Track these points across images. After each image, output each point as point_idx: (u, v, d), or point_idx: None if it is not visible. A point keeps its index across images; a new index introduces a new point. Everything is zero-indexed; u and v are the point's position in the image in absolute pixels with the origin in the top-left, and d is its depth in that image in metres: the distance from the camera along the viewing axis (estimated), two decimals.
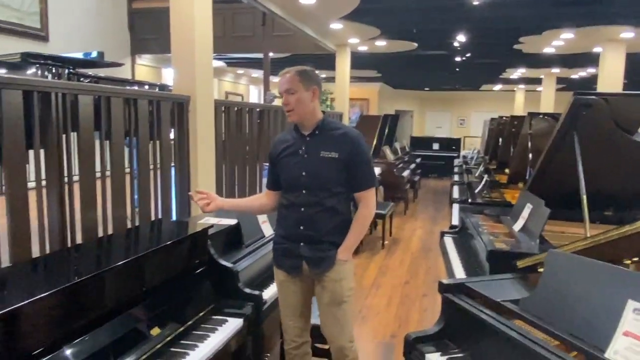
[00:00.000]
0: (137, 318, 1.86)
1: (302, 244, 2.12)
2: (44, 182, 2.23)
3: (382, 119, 8.88)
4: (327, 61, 9.31)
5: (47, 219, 2.23)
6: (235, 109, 4.14)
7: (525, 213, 2.88)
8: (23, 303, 1.42)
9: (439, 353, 1.89)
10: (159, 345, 1.82)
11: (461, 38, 8.44)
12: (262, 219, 3.11)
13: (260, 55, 9.37)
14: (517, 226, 2.89)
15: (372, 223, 6.77)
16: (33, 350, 1.46)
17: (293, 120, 2.10)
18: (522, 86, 16.54)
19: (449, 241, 3.59)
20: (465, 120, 19.51)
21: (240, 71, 15.27)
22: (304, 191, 2.09)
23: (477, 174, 6.44)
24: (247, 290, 2.36)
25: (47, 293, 1.50)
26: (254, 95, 17.29)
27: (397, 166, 8.50)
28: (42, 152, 2.17)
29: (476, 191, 4.89)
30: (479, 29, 7.92)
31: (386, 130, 9.33)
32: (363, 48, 9.32)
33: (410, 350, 1.97)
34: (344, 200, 2.13)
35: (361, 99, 16.39)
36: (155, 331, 1.86)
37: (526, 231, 2.77)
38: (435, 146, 13.76)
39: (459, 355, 1.86)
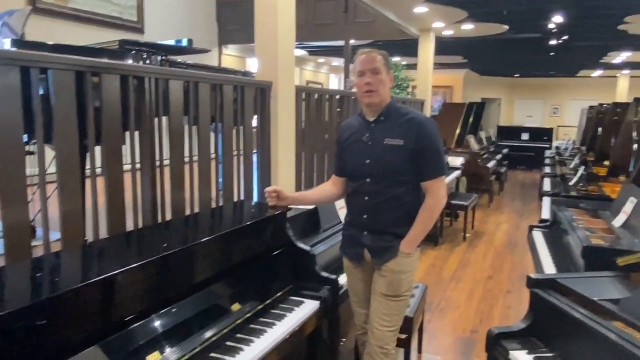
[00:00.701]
0: (219, 293, 1.95)
1: (365, 232, 2.08)
2: (137, 164, 2.40)
3: (466, 106, 8.54)
4: (409, 47, 9.09)
5: (140, 197, 2.40)
6: (316, 95, 4.17)
7: (628, 208, 2.63)
8: (117, 271, 1.53)
9: (525, 351, 1.79)
10: (239, 321, 1.89)
11: (557, 19, 7.82)
12: (339, 204, 3.11)
13: (341, 43, 9.37)
14: (618, 222, 2.65)
15: (453, 214, 6.57)
16: (125, 317, 1.57)
17: (372, 103, 2.01)
18: (626, 71, 15.06)
19: (538, 236, 3.38)
20: (559, 109, 18.20)
21: (321, 60, 15.38)
22: (367, 179, 2.03)
23: (571, 166, 6.01)
24: (324, 274, 2.39)
25: (139, 263, 1.61)
26: (334, 84, 17.36)
27: (481, 156, 8.14)
28: (136, 134, 2.34)
29: (571, 184, 4.56)
30: (578, 8, 7.29)
31: (470, 119, 8.95)
32: (448, 32, 8.98)
33: (493, 346, 1.89)
34: (411, 190, 2.03)
35: (444, 87, 15.86)
36: (236, 307, 1.94)
37: (628, 227, 2.53)
38: (525, 136, 12.98)
39: (548, 355, 1.75)
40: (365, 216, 2.06)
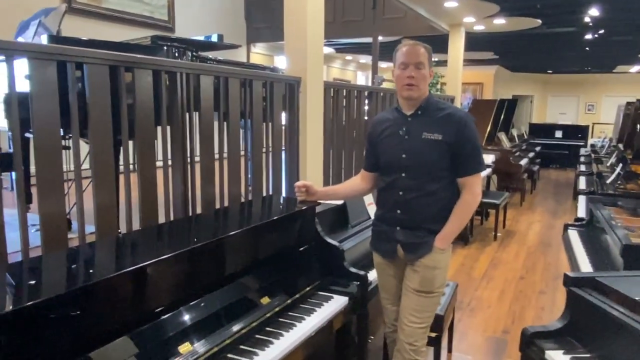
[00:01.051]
0: (249, 286, 1.96)
1: (398, 228, 2.05)
2: (169, 160, 2.44)
3: (497, 103, 8.36)
4: (439, 43, 8.94)
5: (172, 191, 2.44)
6: (344, 91, 4.16)
7: None
8: (149, 262, 1.55)
9: (562, 351, 1.73)
10: (268, 314, 1.90)
11: (593, 12, 7.57)
12: (368, 200, 3.09)
13: (369, 40, 9.31)
14: None
15: (484, 213, 6.45)
16: (156, 308, 1.59)
17: (412, 96, 1.97)
18: None
19: (573, 234, 3.29)
20: (594, 106, 17.63)
21: (349, 57, 15.32)
22: (403, 174, 2.00)
23: (608, 164, 5.82)
24: (353, 270, 2.37)
25: (170, 255, 1.63)
26: (361, 82, 17.27)
27: (513, 154, 7.95)
28: (168, 129, 2.37)
29: (608, 182, 4.41)
30: (616, 1, 7.04)
31: (502, 116, 8.76)
32: (479, 27, 8.80)
33: (528, 345, 1.84)
34: (447, 186, 2.00)
35: (474, 83, 15.57)
36: (265, 300, 1.94)
37: None
38: (558, 134, 12.65)
39: (586, 355, 1.69)
40: (398, 211, 2.03)
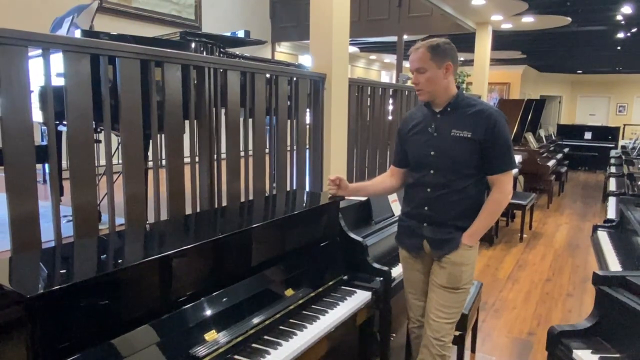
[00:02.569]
0: (273, 278, 1.98)
1: (425, 224, 2.05)
2: (196, 155, 2.48)
3: (525, 103, 8.22)
4: (465, 42, 8.85)
5: (199, 185, 2.48)
6: (369, 89, 4.15)
7: None
8: (174, 251, 1.58)
9: (590, 350, 1.70)
10: (292, 306, 1.92)
11: (626, 10, 7.37)
12: (392, 197, 3.09)
13: (394, 39, 9.27)
14: None
15: (509, 214, 6.35)
16: (181, 296, 1.61)
17: (423, 100, 2.02)
18: None
19: (603, 236, 3.22)
20: (626, 107, 17.16)
21: (373, 57, 15.28)
22: (431, 171, 2.00)
23: (639, 166, 5.67)
24: (376, 265, 2.38)
25: (194, 245, 1.65)
26: (386, 81, 17.19)
27: (541, 155, 7.82)
28: (195, 124, 2.41)
29: None
30: None
31: (529, 117, 8.62)
32: (507, 26, 8.67)
33: (555, 344, 1.81)
34: (476, 183, 1.98)
35: (501, 83, 15.33)
36: (289, 292, 1.97)
37: None
38: (587, 135, 12.35)
39: (614, 355, 1.66)
40: (426, 208, 2.03)
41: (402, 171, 2.22)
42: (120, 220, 2.17)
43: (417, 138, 2.06)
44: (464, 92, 2.09)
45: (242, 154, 2.72)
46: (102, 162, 2.15)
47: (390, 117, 4.70)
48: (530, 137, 8.17)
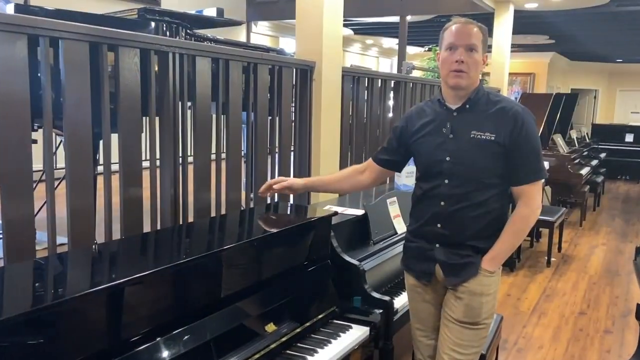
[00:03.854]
0: (250, 311, 2.00)
1: (437, 245, 2.07)
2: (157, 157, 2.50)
3: (553, 99, 8.37)
4: (482, 24, 9.01)
5: (160, 196, 2.49)
6: (366, 80, 4.21)
7: None
8: (124, 280, 1.56)
9: None
10: (273, 345, 1.93)
11: None
12: (394, 212, 3.13)
13: (395, 19, 9.39)
14: None
15: (534, 233, 6.43)
16: (130, 337, 1.59)
17: (460, 85, 1.97)
18: None
19: None
20: None
21: (369, 41, 15.43)
22: (446, 180, 2.02)
23: None
24: (376, 295, 2.40)
25: (151, 271, 1.64)
26: (385, 69, 17.36)
27: (572, 161, 7.94)
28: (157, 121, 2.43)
29: None
30: None
31: (558, 115, 8.77)
32: (532, 5, 8.85)
33: None
34: (499, 195, 2.02)
35: (524, 74, 15.58)
36: (271, 328, 1.98)
37: None
38: (629, 137, 12.53)
39: None
40: (439, 225, 2.05)
41: (381, 170, 2.28)
42: (62, 239, 2.18)
43: (427, 140, 2.08)
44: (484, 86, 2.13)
45: (214, 156, 2.74)
46: (39, 165, 2.14)
47: (390, 114, 4.77)
48: (559, 139, 8.29)
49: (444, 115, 2.06)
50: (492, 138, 1.96)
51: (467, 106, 2.02)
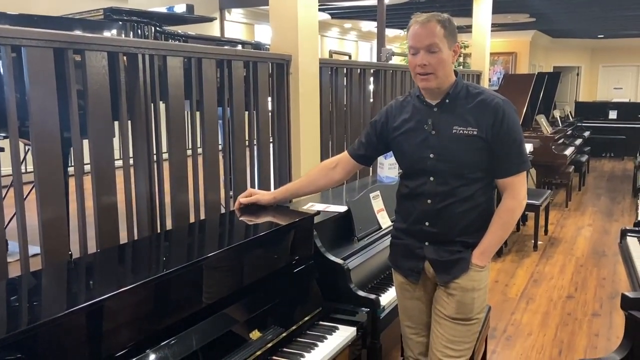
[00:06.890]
0: (234, 319, 1.99)
1: (426, 243, 2.09)
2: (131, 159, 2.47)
3: (535, 78, 8.42)
4: (461, 5, 9.01)
5: (135, 202, 2.47)
6: (345, 69, 4.19)
7: None
8: (105, 296, 1.55)
9: None
10: (259, 352, 1.93)
11: None
12: (378, 207, 3.13)
13: (373, 2, 9.34)
14: None
15: (521, 217, 6.50)
16: (115, 352, 1.59)
17: (429, 87, 1.99)
18: None
19: (633, 243, 3.33)
20: None
21: (348, 25, 15.35)
22: (431, 178, 2.03)
23: None
24: (361, 293, 2.41)
25: (132, 286, 1.63)
26: (365, 54, 17.32)
27: (556, 141, 8.02)
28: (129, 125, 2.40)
29: None
30: None
31: (541, 94, 8.83)
32: None
33: None
34: (485, 189, 2.05)
35: (506, 53, 15.65)
36: (255, 335, 1.98)
37: None
38: (612, 114, 12.69)
39: None
40: (427, 223, 2.06)
41: (355, 164, 2.30)
42: (35, 248, 2.15)
43: (409, 137, 2.08)
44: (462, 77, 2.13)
45: (189, 152, 2.73)
46: (8, 168, 2.11)
47: (372, 100, 4.76)
48: (542, 120, 8.36)
49: (424, 112, 2.06)
50: (475, 132, 1.97)
51: (447, 101, 2.03)
